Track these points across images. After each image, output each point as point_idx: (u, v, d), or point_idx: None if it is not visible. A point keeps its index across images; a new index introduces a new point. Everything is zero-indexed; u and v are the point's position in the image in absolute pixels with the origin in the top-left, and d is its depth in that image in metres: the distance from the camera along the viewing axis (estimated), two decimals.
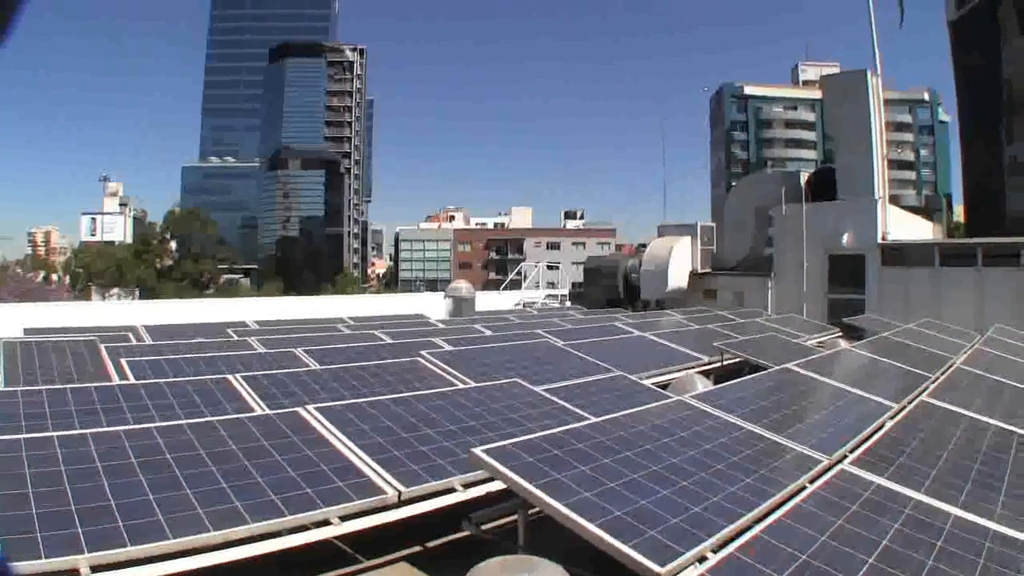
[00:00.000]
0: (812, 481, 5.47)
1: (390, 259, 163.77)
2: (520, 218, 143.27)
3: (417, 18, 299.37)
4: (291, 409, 6.59)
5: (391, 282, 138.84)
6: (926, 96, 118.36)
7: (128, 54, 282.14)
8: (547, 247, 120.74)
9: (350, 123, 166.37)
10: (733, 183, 76.87)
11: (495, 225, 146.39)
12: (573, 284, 45.39)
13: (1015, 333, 19.50)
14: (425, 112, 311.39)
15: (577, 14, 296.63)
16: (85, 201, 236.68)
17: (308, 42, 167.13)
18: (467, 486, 5.75)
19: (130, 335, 14.71)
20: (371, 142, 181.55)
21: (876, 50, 36.41)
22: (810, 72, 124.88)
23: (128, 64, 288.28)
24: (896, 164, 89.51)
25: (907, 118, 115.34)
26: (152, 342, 14.19)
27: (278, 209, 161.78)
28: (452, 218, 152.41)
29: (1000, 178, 58.69)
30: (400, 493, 5.33)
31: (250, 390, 8.14)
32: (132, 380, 8.87)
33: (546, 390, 8.49)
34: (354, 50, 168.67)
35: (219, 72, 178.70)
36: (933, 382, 10.59)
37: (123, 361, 9.94)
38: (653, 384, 10.47)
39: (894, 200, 41.25)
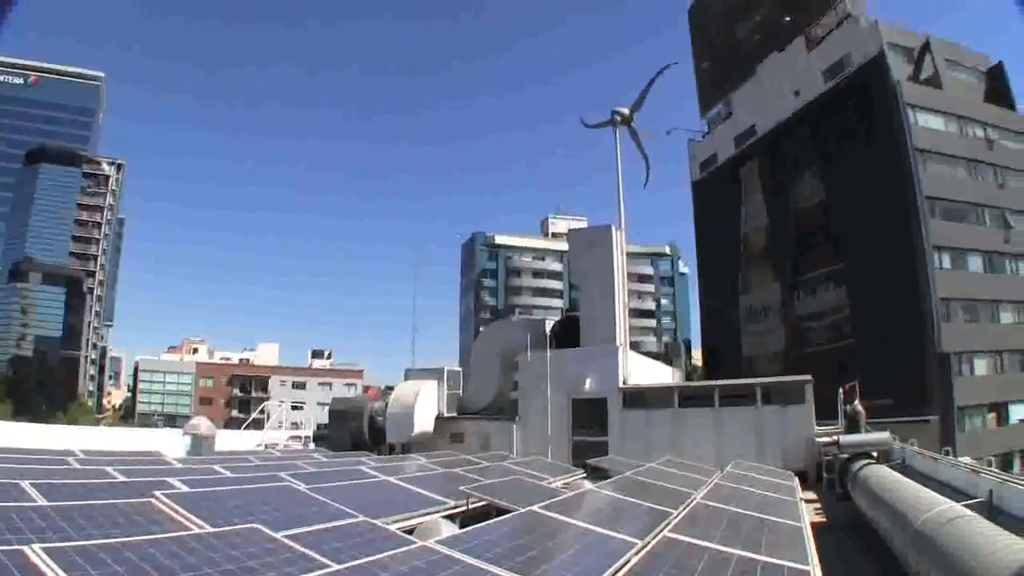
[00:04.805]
0: None
1: (128, 389, 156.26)
2: (266, 354, 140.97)
3: (176, 141, 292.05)
4: (16, 547, 6.10)
5: (128, 415, 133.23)
6: (667, 250, 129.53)
7: None
8: (293, 386, 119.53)
9: (98, 240, 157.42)
10: (481, 329, 78.71)
11: (240, 360, 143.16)
12: (318, 425, 44.66)
13: (752, 466, 20.65)
14: (175, 238, 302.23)
15: (334, 153, 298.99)
16: None
17: (66, 149, 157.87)
18: None
19: None
20: (118, 262, 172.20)
21: (621, 206, 39.01)
22: (559, 225, 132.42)
23: None
24: (638, 313, 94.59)
25: (649, 270, 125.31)
26: None
27: (14, 325, 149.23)
28: (195, 350, 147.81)
29: (735, 325, 63.61)
30: None
31: None
32: None
33: (287, 536, 8.27)
34: (112, 163, 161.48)
35: None
36: (676, 517, 10.91)
37: None
38: (398, 529, 10.39)
39: (635, 347, 43.37)
